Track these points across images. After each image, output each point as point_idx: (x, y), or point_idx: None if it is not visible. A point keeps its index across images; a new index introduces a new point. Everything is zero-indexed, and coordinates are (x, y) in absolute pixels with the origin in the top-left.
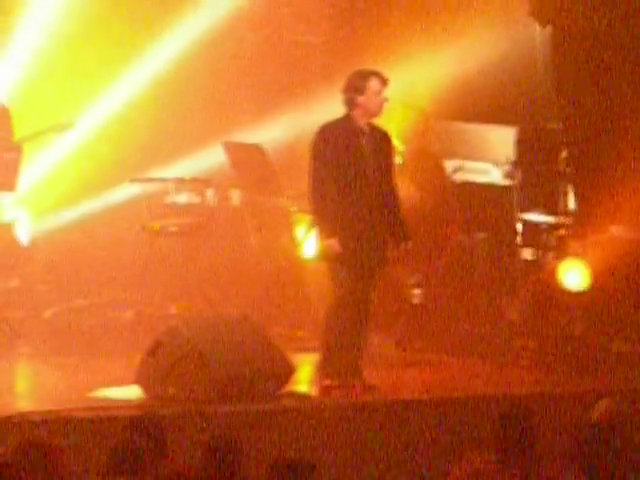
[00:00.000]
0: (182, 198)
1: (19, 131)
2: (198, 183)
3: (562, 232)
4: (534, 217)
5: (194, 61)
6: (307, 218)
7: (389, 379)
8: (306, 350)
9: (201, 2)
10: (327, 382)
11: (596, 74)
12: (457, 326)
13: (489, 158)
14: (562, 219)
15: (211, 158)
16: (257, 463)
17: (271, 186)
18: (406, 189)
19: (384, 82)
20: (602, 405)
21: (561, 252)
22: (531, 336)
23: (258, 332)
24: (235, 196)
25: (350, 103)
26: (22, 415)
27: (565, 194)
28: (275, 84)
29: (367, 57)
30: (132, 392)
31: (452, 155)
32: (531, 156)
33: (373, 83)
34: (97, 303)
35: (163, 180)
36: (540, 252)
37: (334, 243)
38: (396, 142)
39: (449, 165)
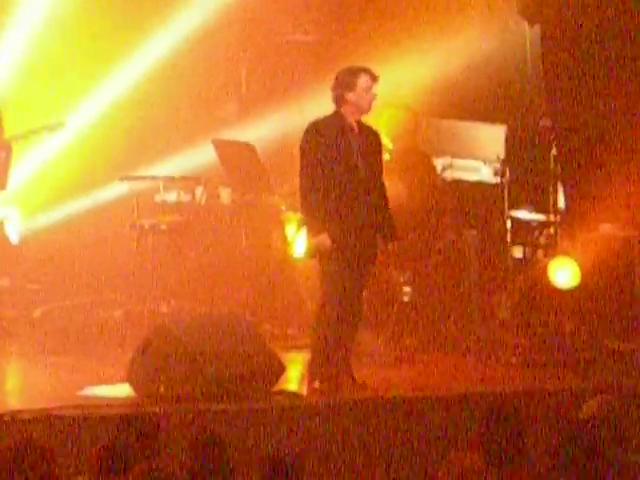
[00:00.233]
0: (172, 196)
1: (10, 130)
2: (188, 181)
3: (552, 230)
4: (524, 215)
5: (183, 60)
6: (297, 216)
7: (379, 377)
8: (296, 348)
9: (191, 1)
10: (317, 384)
11: (585, 72)
12: (447, 324)
13: (479, 156)
14: (552, 217)
15: (201, 156)
16: (247, 461)
17: (261, 184)
18: (395, 187)
19: (374, 79)
20: (592, 403)
21: (551, 250)
22: (521, 334)
23: (248, 330)
24: (225, 194)
25: (340, 100)
26: (12, 414)
27: (555, 192)
28: (265, 82)
29: (356, 55)
30: (122, 391)
31: (442, 153)
32: (521, 154)
33: (363, 79)
34: (87, 302)
35: (153, 178)
36: (530, 250)
37: (324, 238)
38: (385, 140)
39: (439, 163)
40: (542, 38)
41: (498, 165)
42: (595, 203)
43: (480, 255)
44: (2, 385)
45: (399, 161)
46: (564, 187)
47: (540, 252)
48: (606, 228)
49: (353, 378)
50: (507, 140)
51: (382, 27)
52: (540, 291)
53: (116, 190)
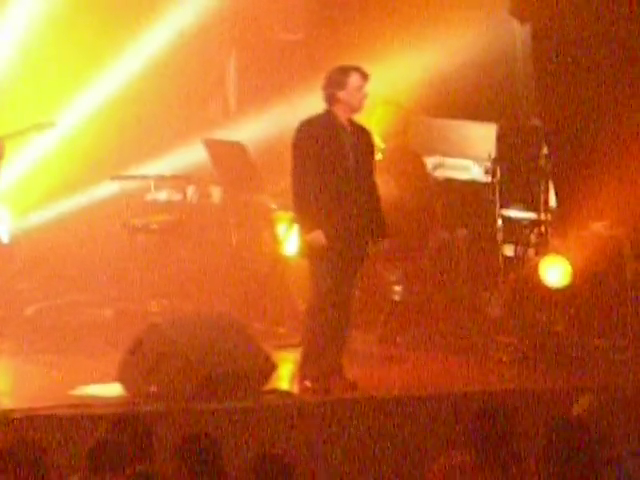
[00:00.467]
0: (163, 195)
1: (0, 129)
2: (179, 180)
3: (543, 229)
4: (515, 213)
5: (174, 59)
6: (288, 215)
7: (370, 376)
8: (287, 347)
9: (181, 0)
10: (308, 382)
11: (576, 71)
12: (438, 323)
13: (470, 155)
14: (543, 216)
15: (192, 155)
16: (239, 460)
17: (252, 183)
18: (386, 186)
19: (365, 77)
20: (583, 401)
21: (542, 248)
22: (512, 332)
23: (239, 329)
24: (216, 193)
25: (331, 98)
26: (4, 413)
27: (546, 190)
28: (255, 81)
29: (346, 54)
30: (114, 390)
31: (432, 152)
32: (512, 153)
33: (354, 78)
34: (78, 301)
35: (144, 177)
36: (521, 248)
37: (317, 235)
38: (376, 139)
39: (429, 162)
40: (533, 37)
41: (489, 164)
42: (586, 201)
43: (471, 254)
44: None
45: (390, 160)
46: (555, 186)
47: (531, 251)
48: (597, 226)
49: (344, 377)
50: (498, 139)
51: (373, 26)
52: (531, 289)
53: (107, 189)
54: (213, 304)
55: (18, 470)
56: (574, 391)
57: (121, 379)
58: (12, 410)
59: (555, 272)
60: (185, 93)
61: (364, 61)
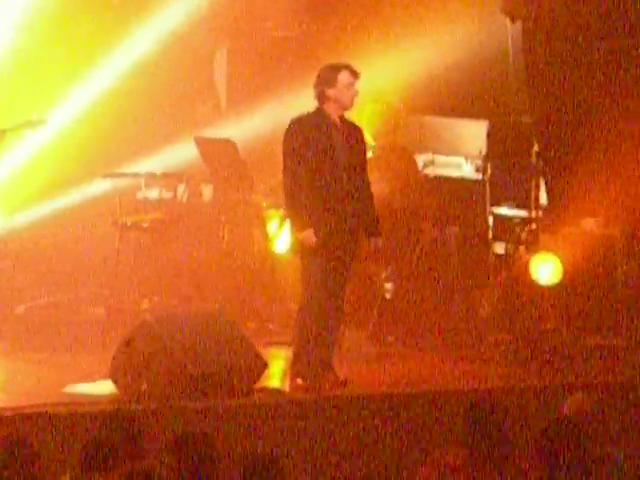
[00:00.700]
0: (154, 193)
1: None
2: (170, 178)
3: (534, 226)
4: (506, 211)
5: (165, 57)
6: (279, 213)
7: (361, 374)
8: (278, 344)
9: None
10: (299, 380)
11: (567, 68)
12: (429, 320)
13: (461, 152)
14: (534, 213)
15: (183, 153)
16: (230, 459)
17: (243, 181)
18: (377, 184)
19: (355, 75)
20: (574, 399)
21: (533, 246)
22: (503, 330)
23: (230, 327)
24: (207, 191)
25: (321, 96)
26: None
27: (537, 188)
28: (248, 79)
29: (339, 51)
30: (105, 388)
31: (423, 149)
32: (503, 150)
33: (344, 76)
34: (69, 299)
35: (135, 175)
36: (512, 246)
37: (308, 234)
38: (367, 137)
39: (420, 159)
40: (524, 34)
41: (480, 161)
42: (577, 199)
43: (462, 251)
44: None
45: (381, 157)
46: (546, 183)
47: (522, 248)
48: (588, 224)
49: (335, 375)
50: (489, 136)
51: (365, 23)
52: (522, 287)
53: (98, 187)
54: (204, 302)
55: (9, 468)
56: (565, 389)
57: (112, 377)
58: (3, 408)
59: (546, 270)
60: (176, 91)
61: (357, 58)
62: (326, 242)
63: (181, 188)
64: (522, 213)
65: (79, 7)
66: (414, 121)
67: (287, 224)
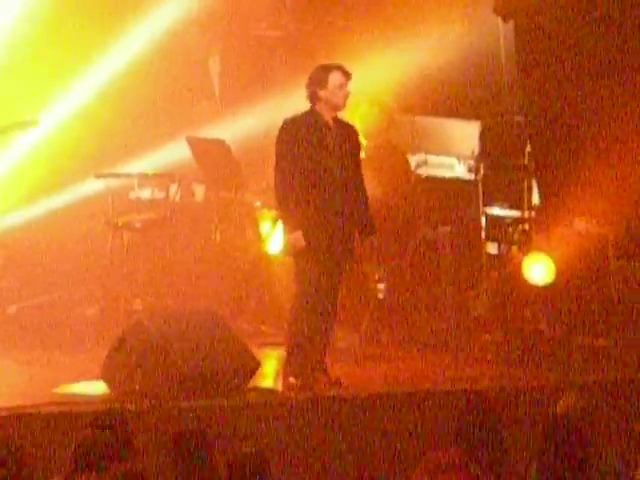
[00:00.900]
0: (146, 193)
1: None
2: (162, 179)
3: (526, 226)
4: (498, 211)
5: (158, 56)
6: (271, 213)
7: (354, 374)
8: (271, 345)
9: None
10: (292, 380)
11: (559, 68)
12: (422, 320)
13: (453, 152)
14: (526, 213)
15: (175, 153)
16: (222, 458)
17: (235, 181)
18: (369, 184)
19: (346, 75)
20: (567, 399)
21: (525, 246)
22: (496, 330)
23: (223, 327)
24: (199, 191)
25: (313, 97)
26: None
27: (529, 188)
28: (241, 79)
29: (332, 51)
30: (97, 387)
31: (416, 149)
32: (495, 150)
33: (335, 76)
34: (61, 299)
35: (127, 175)
36: (504, 246)
37: (299, 236)
38: (360, 137)
39: (413, 160)
40: (516, 34)
41: (472, 161)
42: (569, 199)
43: (454, 251)
44: None
45: (373, 158)
46: (538, 183)
47: (514, 248)
48: (580, 224)
49: (328, 375)
50: (481, 136)
51: (358, 23)
52: (515, 287)
53: (91, 187)
54: (197, 302)
55: (1, 468)
56: (558, 389)
57: (105, 377)
58: None
59: (539, 270)
60: (169, 91)
61: (349, 58)
62: (318, 242)
63: (173, 188)
64: (514, 213)
65: (72, 7)
66: (406, 121)
67: (280, 224)
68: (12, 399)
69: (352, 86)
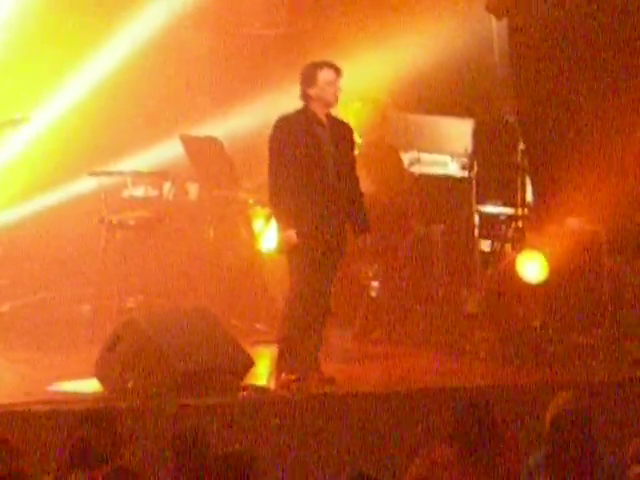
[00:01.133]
0: (139, 191)
1: None
2: (155, 176)
3: (520, 224)
4: (492, 209)
5: (153, 54)
6: (265, 211)
7: (347, 372)
8: (264, 343)
9: None
10: (285, 376)
11: (553, 66)
12: (415, 318)
13: (446, 150)
14: (520, 211)
15: (168, 151)
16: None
17: (229, 179)
18: (363, 182)
19: (337, 72)
20: (561, 398)
21: (519, 244)
22: (489, 328)
23: (216, 325)
24: (193, 189)
25: (304, 95)
26: None
27: (522, 186)
28: (234, 77)
29: (327, 49)
30: (91, 386)
31: (409, 147)
32: (488, 148)
33: (325, 73)
34: (55, 297)
35: (120, 173)
36: (498, 244)
37: (292, 234)
38: (354, 135)
39: (406, 157)
40: (509, 32)
41: (466, 159)
42: (562, 197)
43: (448, 249)
44: None
45: (366, 155)
46: (532, 181)
47: (508, 246)
48: (573, 222)
49: (321, 372)
50: (474, 134)
51: (352, 21)
52: (508, 285)
53: (84, 185)
54: (190, 300)
55: None
56: (551, 387)
57: (98, 375)
58: None
59: (532, 267)
60: (162, 89)
61: (343, 56)
62: (312, 240)
63: (167, 186)
64: (508, 211)
65: (64, 5)
66: (400, 119)
67: (273, 222)
68: (5, 397)
69: (346, 84)
